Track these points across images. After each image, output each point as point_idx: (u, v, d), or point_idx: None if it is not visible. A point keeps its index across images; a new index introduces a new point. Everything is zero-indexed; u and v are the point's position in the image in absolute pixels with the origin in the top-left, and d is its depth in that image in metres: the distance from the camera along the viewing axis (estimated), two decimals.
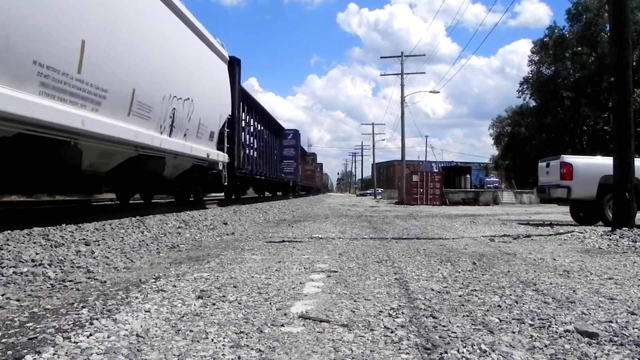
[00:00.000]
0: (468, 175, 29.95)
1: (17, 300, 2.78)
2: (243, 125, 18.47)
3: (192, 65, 10.14)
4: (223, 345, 2.03)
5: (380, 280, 3.48)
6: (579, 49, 41.10)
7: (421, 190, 26.11)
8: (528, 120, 47.24)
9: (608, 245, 5.86)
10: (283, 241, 6.03)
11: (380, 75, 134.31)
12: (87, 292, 3.04)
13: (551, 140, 41.67)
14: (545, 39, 43.60)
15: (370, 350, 1.98)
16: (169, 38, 8.78)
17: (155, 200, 14.46)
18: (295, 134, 34.57)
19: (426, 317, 2.46)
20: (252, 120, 20.86)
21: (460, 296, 2.95)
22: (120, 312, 2.49)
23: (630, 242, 5.89)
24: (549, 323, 2.34)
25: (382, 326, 2.31)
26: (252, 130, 21.21)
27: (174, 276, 3.54)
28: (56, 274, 3.53)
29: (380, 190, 57.37)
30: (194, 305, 2.68)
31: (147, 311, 2.51)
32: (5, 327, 2.27)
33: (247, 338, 2.12)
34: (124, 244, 5.28)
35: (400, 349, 2.00)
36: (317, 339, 2.12)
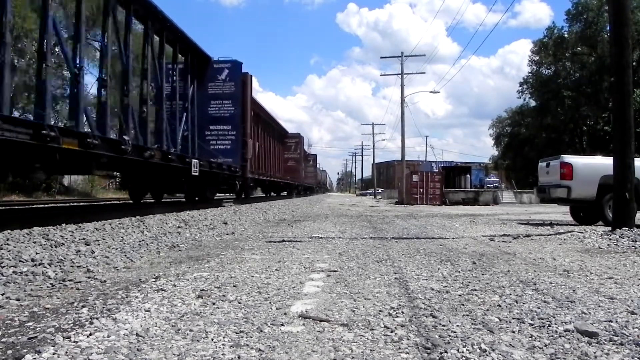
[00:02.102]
0: (468, 175, 29.94)
1: (17, 299, 2.78)
2: None
3: None
4: (223, 344, 2.03)
5: (380, 279, 3.48)
6: (579, 49, 41.06)
7: (421, 190, 26.09)
8: (528, 120, 47.18)
9: (608, 245, 5.86)
10: (283, 241, 6.04)
11: (380, 75, 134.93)
12: (87, 291, 3.04)
13: (551, 140, 41.64)
14: (544, 39, 43.56)
15: (370, 350, 1.98)
16: None
17: None
18: (235, 68, 15.55)
19: (426, 317, 2.46)
20: None
21: (460, 295, 2.95)
22: (120, 311, 2.49)
23: (630, 242, 5.88)
24: (548, 322, 2.34)
25: (382, 325, 2.31)
26: None
27: (174, 276, 3.54)
28: (56, 274, 3.53)
29: (380, 190, 57.29)
30: (194, 304, 2.68)
31: (147, 310, 2.51)
32: (5, 326, 2.27)
33: (247, 337, 2.12)
34: (124, 243, 5.28)
35: (400, 348, 2.00)
36: (317, 339, 2.12)
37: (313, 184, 53.85)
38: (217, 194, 17.73)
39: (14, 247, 4.35)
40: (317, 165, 65.52)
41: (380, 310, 2.58)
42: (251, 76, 17.13)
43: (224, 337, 2.11)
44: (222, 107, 15.39)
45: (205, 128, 15.01)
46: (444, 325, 2.29)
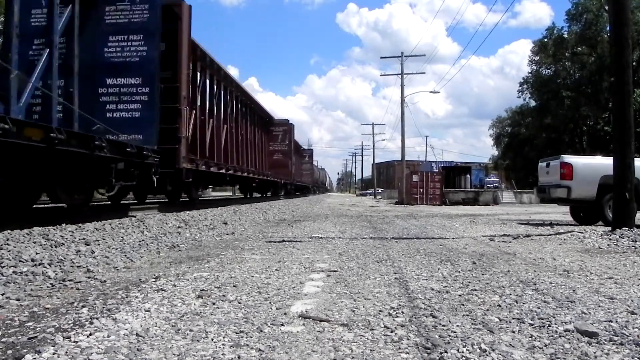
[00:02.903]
0: (468, 175, 29.94)
1: (17, 299, 2.78)
2: None
3: None
4: (223, 344, 2.03)
5: (380, 279, 3.48)
6: (579, 49, 41.10)
7: (421, 190, 26.10)
8: (528, 120, 47.23)
9: (608, 245, 5.86)
10: (283, 241, 6.03)
11: (381, 75, 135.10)
12: (87, 291, 3.04)
13: (551, 140, 41.68)
14: (544, 39, 43.59)
15: (370, 350, 1.98)
16: None
17: None
18: None
19: (426, 317, 2.46)
20: None
21: (460, 295, 2.95)
22: (120, 311, 2.49)
23: (630, 242, 5.88)
24: (548, 322, 2.34)
25: (382, 325, 2.31)
26: None
27: (174, 276, 3.54)
28: (56, 274, 3.53)
29: (380, 190, 57.30)
30: (194, 304, 2.68)
31: (147, 310, 2.51)
32: (5, 326, 2.27)
33: (247, 337, 2.12)
34: (124, 243, 5.28)
35: (400, 348, 2.00)
36: (317, 339, 2.12)
37: (309, 182, 46.44)
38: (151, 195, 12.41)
39: (14, 247, 4.35)
40: (315, 163, 59.34)
41: (380, 310, 2.58)
42: (189, 7, 10.46)
43: (224, 337, 2.11)
44: (127, 47, 8.93)
45: (98, 82, 8.81)
46: (444, 325, 2.29)
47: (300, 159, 39.93)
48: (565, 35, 42.00)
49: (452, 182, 29.55)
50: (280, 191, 28.72)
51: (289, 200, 24.73)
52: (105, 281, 3.36)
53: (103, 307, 2.58)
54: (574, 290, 3.11)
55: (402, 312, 2.54)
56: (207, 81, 13.46)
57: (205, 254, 4.86)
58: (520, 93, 47.62)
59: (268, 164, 24.02)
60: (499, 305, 2.70)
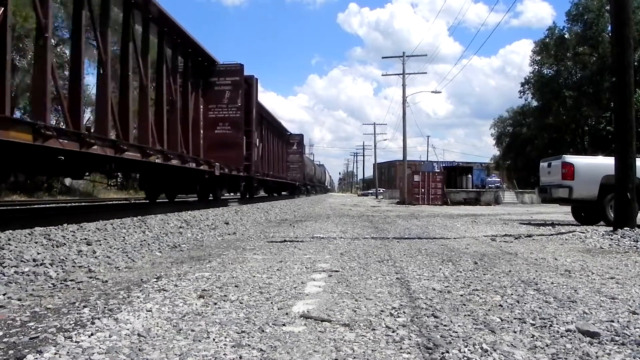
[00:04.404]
0: (469, 175, 29.89)
1: (19, 299, 2.79)
2: None
3: None
4: (224, 344, 2.03)
5: (382, 279, 3.48)
6: (580, 49, 41.04)
7: (423, 190, 26.07)
8: (529, 120, 47.18)
9: (609, 245, 5.85)
10: (284, 241, 6.04)
11: (382, 75, 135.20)
12: (89, 291, 3.04)
13: (553, 140, 41.61)
14: (546, 40, 43.56)
15: (372, 350, 1.98)
16: None
17: None
18: None
19: (427, 317, 2.46)
20: None
21: (461, 296, 2.95)
22: (121, 311, 2.49)
23: (632, 242, 5.87)
24: (550, 322, 2.33)
25: (384, 326, 2.30)
26: None
27: (175, 276, 3.54)
28: (57, 274, 3.54)
29: (381, 190, 57.24)
30: (196, 304, 2.68)
31: (149, 311, 2.51)
32: (7, 326, 2.27)
33: (248, 337, 2.12)
34: (126, 243, 5.29)
35: (401, 348, 2.00)
36: (318, 339, 2.11)
37: (297, 179, 34.02)
38: None
39: (16, 247, 4.36)
40: (310, 156, 47.11)
41: (381, 310, 2.58)
42: None
43: (225, 337, 2.11)
44: None
45: None
46: (445, 326, 2.29)
47: (283, 145, 29.59)
48: (567, 36, 41.95)
49: (453, 182, 29.48)
50: (221, 190, 16.04)
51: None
52: (106, 281, 3.37)
53: (104, 307, 2.58)
54: (575, 291, 3.10)
55: (404, 312, 2.54)
56: None
57: (207, 254, 4.86)
58: (522, 93, 47.57)
59: (207, 143, 14.19)
60: (500, 305, 2.69)
